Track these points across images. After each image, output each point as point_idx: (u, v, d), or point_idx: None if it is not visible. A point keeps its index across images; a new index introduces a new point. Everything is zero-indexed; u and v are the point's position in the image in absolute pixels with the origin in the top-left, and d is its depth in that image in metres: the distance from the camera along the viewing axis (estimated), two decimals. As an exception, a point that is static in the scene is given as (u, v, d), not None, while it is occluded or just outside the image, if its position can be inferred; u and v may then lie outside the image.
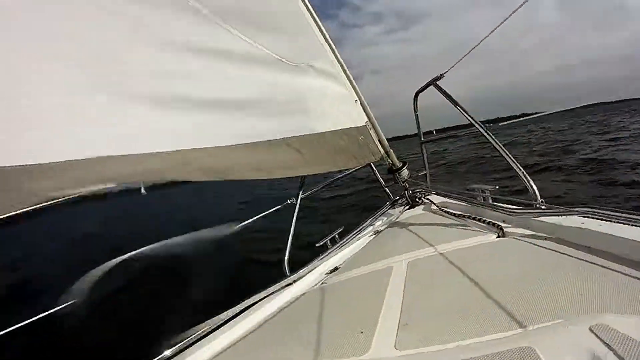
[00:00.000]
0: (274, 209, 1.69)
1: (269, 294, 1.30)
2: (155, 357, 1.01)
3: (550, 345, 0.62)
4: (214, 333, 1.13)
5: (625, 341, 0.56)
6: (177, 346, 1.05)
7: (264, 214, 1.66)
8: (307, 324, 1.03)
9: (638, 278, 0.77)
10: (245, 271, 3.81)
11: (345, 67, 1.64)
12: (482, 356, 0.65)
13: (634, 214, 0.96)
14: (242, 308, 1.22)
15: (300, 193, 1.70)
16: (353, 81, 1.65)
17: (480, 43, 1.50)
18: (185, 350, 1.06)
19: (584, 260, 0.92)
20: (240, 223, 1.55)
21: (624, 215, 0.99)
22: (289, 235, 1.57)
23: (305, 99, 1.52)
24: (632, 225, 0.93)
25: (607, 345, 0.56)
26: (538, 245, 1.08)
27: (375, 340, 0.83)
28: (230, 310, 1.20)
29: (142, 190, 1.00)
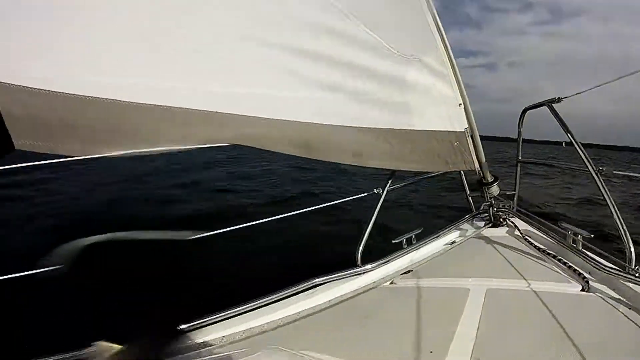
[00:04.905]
0: (359, 195, 1.63)
1: (337, 279, 1.30)
2: (204, 321, 1.00)
3: None
4: (273, 305, 1.12)
5: None
6: (230, 312, 1.05)
7: (348, 199, 1.63)
8: (373, 321, 1.08)
9: None
10: (317, 251, 3.48)
11: (457, 68, 1.56)
12: None
13: None
14: (307, 286, 1.22)
15: (388, 185, 1.63)
16: (462, 83, 1.58)
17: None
18: (239, 317, 1.05)
19: None
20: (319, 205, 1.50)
21: None
22: (367, 225, 1.50)
23: (408, 93, 1.48)
24: None
25: None
26: (623, 314, 1.04)
27: None
28: (295, 286, 1.19)
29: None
